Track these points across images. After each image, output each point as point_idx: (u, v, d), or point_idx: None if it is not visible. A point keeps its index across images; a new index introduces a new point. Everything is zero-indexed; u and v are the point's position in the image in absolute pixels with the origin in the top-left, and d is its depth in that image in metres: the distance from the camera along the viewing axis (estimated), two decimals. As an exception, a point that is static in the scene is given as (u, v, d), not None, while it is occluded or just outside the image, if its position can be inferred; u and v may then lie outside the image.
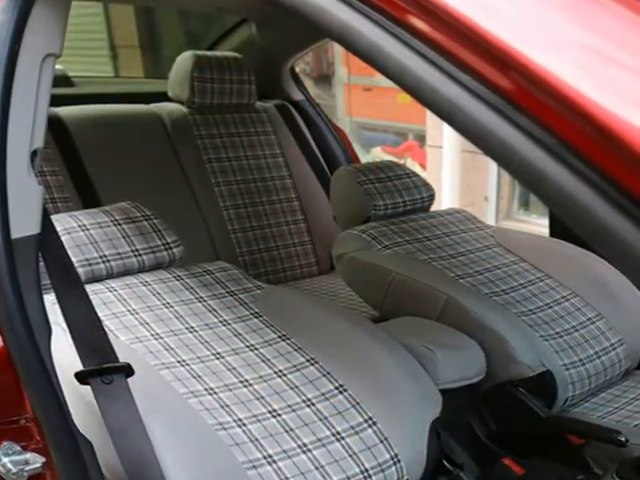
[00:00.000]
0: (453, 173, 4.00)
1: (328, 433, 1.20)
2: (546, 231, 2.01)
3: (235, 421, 1.17)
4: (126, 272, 1.40)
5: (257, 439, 1.16)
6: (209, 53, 2.30)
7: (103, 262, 1.37)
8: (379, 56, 0.59)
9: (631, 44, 0.52)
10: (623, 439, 1.32)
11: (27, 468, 1.04)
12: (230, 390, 1.22)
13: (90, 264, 1.35)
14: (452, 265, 1.74)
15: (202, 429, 1.12)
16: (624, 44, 0.52)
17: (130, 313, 1.32)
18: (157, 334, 1.29)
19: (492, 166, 3.99)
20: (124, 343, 1.25)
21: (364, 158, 4.77)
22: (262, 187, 2.33)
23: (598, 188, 0.49)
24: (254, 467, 1.12)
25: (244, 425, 1.17)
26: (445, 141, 3.97)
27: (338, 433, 1.20)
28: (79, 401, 1.08)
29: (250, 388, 1.24)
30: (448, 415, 1.31)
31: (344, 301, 2.10)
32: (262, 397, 1.23)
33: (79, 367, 1.03)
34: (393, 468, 1.19)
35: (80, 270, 1.33)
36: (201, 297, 1.40)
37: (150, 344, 1.27)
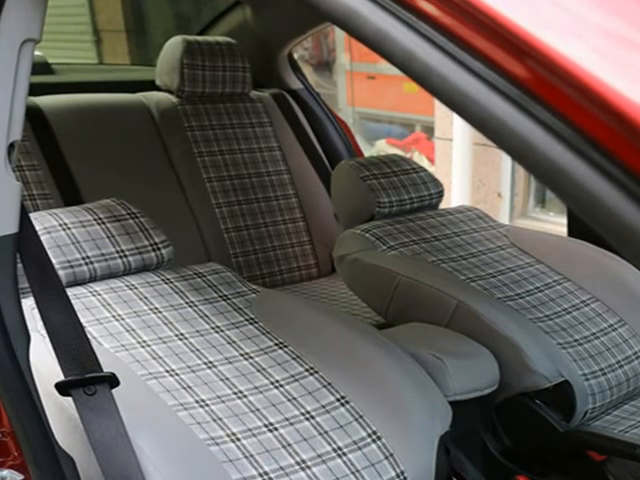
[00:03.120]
0: (464, 167, 4.00)
1: (329, 448, 1.20)
2: (564, 230, 2.02)
3: (228, 435, 1.17)
4: (111, 274, 1.40)
5: (252, 455, 1.16)
6: (200, 38, 2.30)
7: (86, 264, 1.37)
8: (385, 42, 0.59)
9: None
10: (647, 455, 1.33)
11: (4, 486, 1.04)
12: (223, 402, 1.22)
13: (72, 266, 1.35)
14: (463, 267, 1.74)
15: (193, 444, 1.12)
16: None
17: (115, 319, 1.32)
18: (144, 341, 1.29)
19: (506, 160, 3.99)
20: (108, 351, 1.25)
21: (368, 151, 4.77)
22: (257, 183, 2.33)
23: (623, 186, 0.49)
24: (249, 485, 1.12)
25: (238, 440, 1.17)
26: (455, 133, 3.97)
27: (340, 448, 1.20)
28: (60, 414, 1.08)
29: (244, 400, 1.24)
30: (458, 429, 1.31)
31: (346, 306, 2.10)
32: (257, 409, 1.23)
33: (60, 377, 1.03)
34: (399, 486, 1.19)
35: (61, 272, 1.33)
36: (192, 302, 1.40)
37: (137, 352, 1.27)
